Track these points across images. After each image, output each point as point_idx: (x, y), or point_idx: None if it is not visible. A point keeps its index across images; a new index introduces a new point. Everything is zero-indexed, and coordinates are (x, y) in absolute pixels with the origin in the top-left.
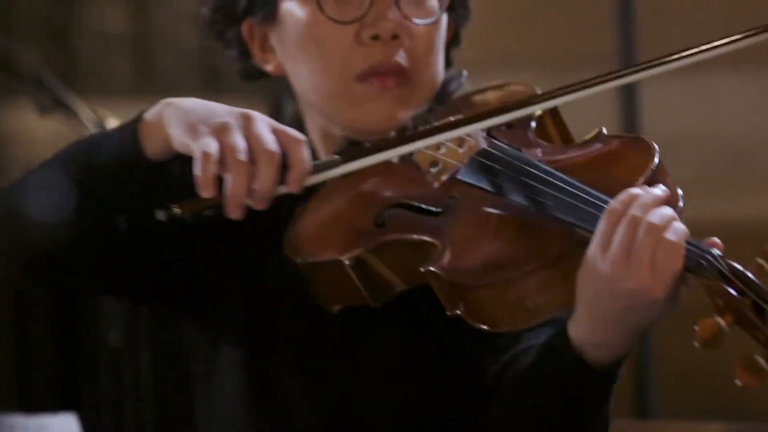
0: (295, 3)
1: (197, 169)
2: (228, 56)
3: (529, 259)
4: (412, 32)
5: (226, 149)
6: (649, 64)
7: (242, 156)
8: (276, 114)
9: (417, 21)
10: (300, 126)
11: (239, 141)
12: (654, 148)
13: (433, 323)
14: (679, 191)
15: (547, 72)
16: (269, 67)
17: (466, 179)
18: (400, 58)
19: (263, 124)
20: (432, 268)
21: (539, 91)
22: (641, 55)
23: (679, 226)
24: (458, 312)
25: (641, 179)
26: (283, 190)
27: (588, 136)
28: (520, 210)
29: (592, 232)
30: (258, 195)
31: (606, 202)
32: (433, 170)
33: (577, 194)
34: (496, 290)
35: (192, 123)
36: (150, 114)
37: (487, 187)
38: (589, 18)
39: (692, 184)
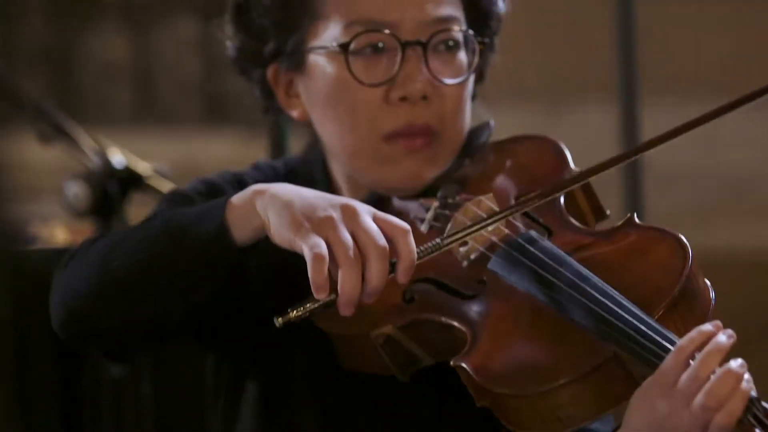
0: (323, 57)
1: (311, 272)
2: (231, 87)
3: (562, 372)
4: (441, 92)
5: (335, 248)
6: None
7: (352, 254)
8: (278, 146)
9: (447, 81)
10: (325, 167)
11: (347, 238)
12: (686, 247)
13: (460, 391)
14: (712, 292)
15: (547, 101)
16: (294, 113)
17: (496, 269)
18: (429, 118)
19: (367, 216)
20: (462, 364)
21: (571, 166)
22: (643, 83)
23: (745, 387)
24: (486, 405)
25: (677, 287)
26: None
27: (619, 223)
28: (552, 311)
29: (626, 351)
30: (370, 290)
31: (640, 320)
32: (462, 249)
33: (612, 308)
34: (526, 400)
35: (295, 218)
36: (239, 200)
37: (517, 283)
38: (589, 47)
39: (692, 215)
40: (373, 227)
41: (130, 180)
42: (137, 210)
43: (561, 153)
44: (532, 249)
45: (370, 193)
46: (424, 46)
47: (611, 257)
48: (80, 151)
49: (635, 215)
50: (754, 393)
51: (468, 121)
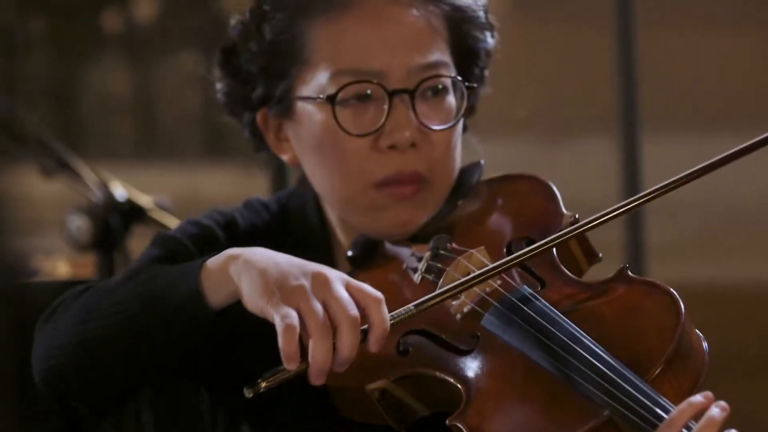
0: (311, 106)
1: (281, 342)
2: (232, 121)
3: None
4: (430, 138)
5: (306, 318)
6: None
7: (323, 324)
8: (279, 179)
9: (436, 127)
10: (318, 204)
11: (318, 308)
12: (679, 303)
13: None
14: (705, 344)
15: (548, 133)
16: (284, 157)
17: (489, 326)
18: (418, 165)
19: (339, 285)
20: (458, 424)
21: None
22: (643, 115)
23: None
24: None
25: (670, 348)
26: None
27: (611, 275)
28: (547, 371)
29: (619, 416)
30: (341, 360)
31: (634, 385)
32: (455, 303)
33: (605, 372)
34: None
35: (267, 286)
36: (214, 264)
37: (510, 341)
38: (590, 78)
39: (692, 247)
40: (344, 296)
41: (132, 213)
42: (139, 242)
43: (552, 194)
44: (524, 308)
45: (360, 235)
46: (411, 93)
47: (603, 314)
48: (82, 184)
49: (627, 267)
50: None
51: (458, 162)
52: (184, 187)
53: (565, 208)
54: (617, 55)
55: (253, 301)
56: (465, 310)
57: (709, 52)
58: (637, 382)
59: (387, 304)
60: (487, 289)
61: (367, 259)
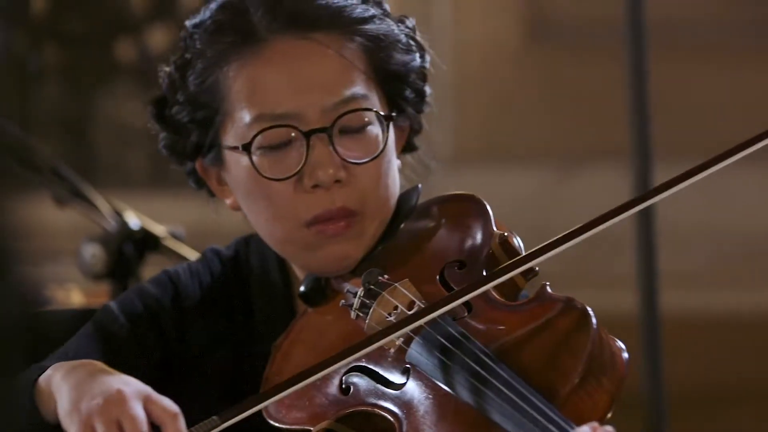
0: (236, 154)
1: None
2: None
3: None
4: (355, 172)
5: None
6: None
7: None
8: None
9: (357, 162)
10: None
11: (111, 429)
12: (589, 319)
13: None
14: (625, 355)
15: (561, 163)
16: (228, 201)
17: (414, 361)
18: (346, 200)
19: (135, 403)
20: None
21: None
22: (656, 150)
23: None
24: None
25: (580, 368)
26: None
27: (532, 295)
28: (470, 407)
29: None
30: None
31: (543, 415)
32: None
33: (518, 404)
34: None
35: (70, 405)
36: (43, 380)
37: (434, 376)
38: (603, 112)
39: (706, 276)
40: (138, 416)
41: (145, 242)
42: (152, 272)
43: (482, 212)
44: (444, 342)
45: (310, 273)
46: (328, 131)
47: (522, 338)
48: (96, 213)
49: (547, 285)
50: None
51: (394, 189)
52: (197, 217)
53: (497, 226)
54: (630, 85)
55: (62, 418)
56: (398, 343)
57: (722, 82)
58: (548, 412)
59: (326, 345)
60: (411, 311)
61: (317, 295)
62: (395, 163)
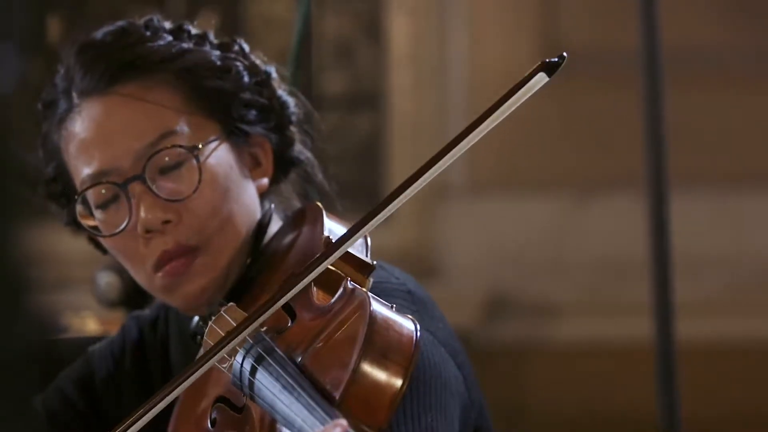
0: (80, 221)
1: None
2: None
3: None
4: (186, 208)
5: None
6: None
7: None
8: None
9: (178, 198)
10: None
11: None
12: (364, 307)
13: None
14: (415, 334)
15: (576, 194)
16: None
17: (234, 383)
18: (180, 237)
19: None
20: None
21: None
22: (671, 176)
23: None
24: None
25: (355, 355)
26: None
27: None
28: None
29: None
30: None
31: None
32: (224, 365)
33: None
34: None
35: None
36: None
37: (254, 395)
38: (618, 140)
39: (721, 304)
40: None
41: None
42: None
43: (315, 218)
44: (252, 362)
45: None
46: (141, 176)
47: (323, 342)
48: None
49: (348, 280)
50: None
51: (245, 213)
52: None
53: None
54: (646, 113)
55: None
56: (223, 367)
57: (738, 110)
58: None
59: (203, 394)
60: (230, 346)
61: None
62: (243, 185)
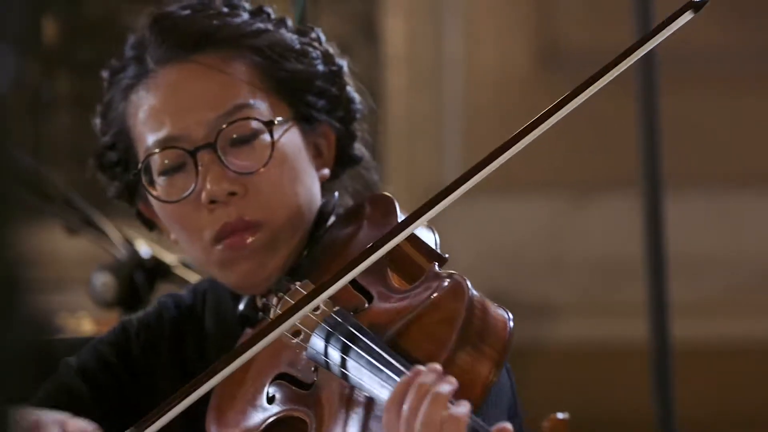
0: (143, 186)
1: None
2: None
3: None
4: (252, 182)
5: None
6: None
7: None
8: None
9: (247, 172)
10: None
11: None
12: (462, 289)
13: None
14: (509, 323)
15: (572, 194)
16: (172, 237)
17: (312, 358)
18: (244, 212)
19: (52, 428)
20: None
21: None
22: (666, 177)
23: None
24: None
25: (455, 336)
26: None
27: (423, 277)
28: (362, 398)
29: None
30: None
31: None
32: (295, 340)
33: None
34: None
35: None
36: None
37: (333, 370)
38: (613, 141)
39: (718, 304)
40: None
41: (156, 270)
42: None
43: (388, 208)
44: (338, 336)
45: (246, 295)
46: (212, 146)
47: (411, 320)
48: (107, 241)
49: (435, 265)
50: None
51: (309, 197)
52: None
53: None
54: (641, 114)
55: None
56: (294, 342)
57: (733, 112)
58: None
59: (259, 371)
60: (307, 321)
61: (254, 315)
62: (308, 170)
